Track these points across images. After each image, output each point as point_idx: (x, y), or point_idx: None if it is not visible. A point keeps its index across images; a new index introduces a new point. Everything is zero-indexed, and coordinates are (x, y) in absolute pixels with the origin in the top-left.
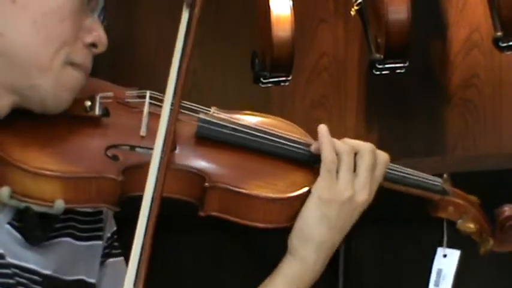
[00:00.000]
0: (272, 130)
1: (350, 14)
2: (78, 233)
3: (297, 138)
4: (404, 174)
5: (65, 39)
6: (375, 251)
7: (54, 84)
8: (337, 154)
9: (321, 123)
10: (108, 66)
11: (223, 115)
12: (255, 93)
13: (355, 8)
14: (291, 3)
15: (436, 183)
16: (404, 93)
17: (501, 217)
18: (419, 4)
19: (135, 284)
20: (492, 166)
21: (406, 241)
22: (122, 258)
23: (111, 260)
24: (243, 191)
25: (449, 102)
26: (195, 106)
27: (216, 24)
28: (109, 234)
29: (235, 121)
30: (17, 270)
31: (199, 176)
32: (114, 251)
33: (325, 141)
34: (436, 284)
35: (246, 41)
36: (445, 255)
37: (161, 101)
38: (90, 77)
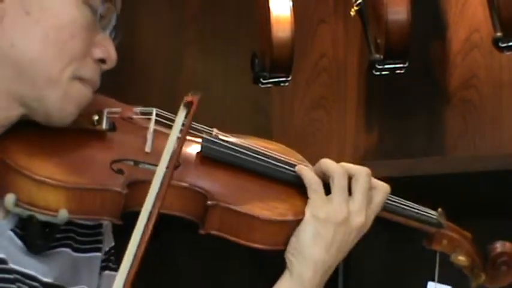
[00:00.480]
0: (273, 154)
1: (350, 14)
2: (76, 245)
3: (297, 163)
4: (404, 206)
5: (75, 54)
6: (375, 252)
7: (61, 97)
8: (329, 176)
9: (320, 123)
10: (106, 76)
11: (225, 137)
12: (254, 94)
13: (355, 8)
14: (290, 3)
15: (431, 215)
16: (404, 94)
17: (493, 253)
18: (419, 5)
19: None
20: (491, 166)
21: (407, 244)
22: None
23: (107, 272)
24: (244, 211)
25: (449, 102)
26: (198, 126)
27: (216, 25)
28: (107, 249)
29: (238, 143)
30: (18, 276)
31: (202, 194)
32: (110, 264)
33: (301, 166)
34: None
35: (246, 42)
36: None
37: (167, 119)
38: (97, 93)
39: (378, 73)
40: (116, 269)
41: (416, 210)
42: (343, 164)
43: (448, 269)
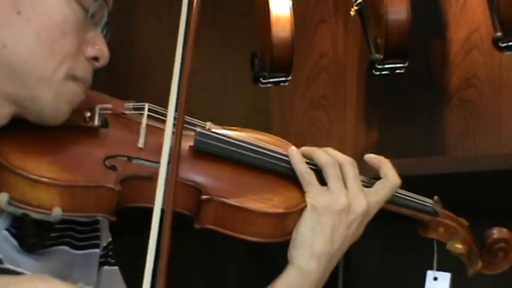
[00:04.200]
0: (268, 146)
1: (350, 14)
2: (75, 242)
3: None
4: (396, 194)
5: (67, 52)
6: (375, 258)
7: (53, 97)
8: (321, 167)
9: (320, 123)
10: (104, 75)
11: (219, 130)
12: (254, 94)
13: (355, 8)
14: (290, 3)
15: (427, 204)
16: (403, 94)
17: (489, 240)
18: (419, 4)
19: None
20: (491, 166)
21: (407, 244)
22: (116, 267)
23: (106, 267)
24: (239, 204)
25: (449, 102)
26: (191, 120)
27: (216, 24)
28: (105, 244)
29: (232, 136)
30: (14, 276)
31: (196, 188)
32: (109, 260)
33: (293, 155)
34: None
35: (246, 41)
36: (435, 278)
37: (159, 113)
38: (89, 89)
39: (377, 73)
40: (114, 264)
41: (411, 199)
42: (328, 150)
43: (446, 257)
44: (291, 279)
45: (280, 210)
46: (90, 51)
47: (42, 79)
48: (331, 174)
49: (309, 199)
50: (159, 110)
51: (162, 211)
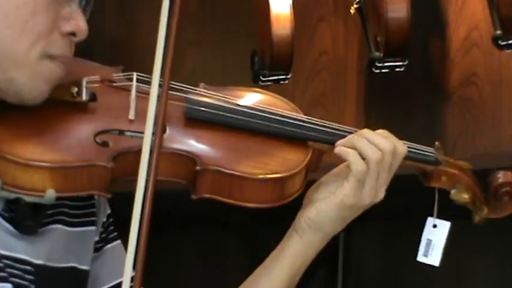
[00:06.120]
0: (262, 107)
1: (350, 12)
2: (69, 219)
3: (288, 114)
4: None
5: (39, 31)
6: (374, 246)
7: (30, 77)
8: (365, 158)
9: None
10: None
11: (213, 93)
12: None
13: (355, 6)
14: (290, 1)
15: (429, 153)
16: (403, 92)
17: (494, 184)
18: (418, 3)
19: (134, 267)
20: (491, 164)
21: (406, 243)
22: (119, 241)
23: (109, 246)
24: (235, 172)
25: (449, 100)
26: (183, 86)
27: (215, 23)
28: (104, 219)
29: (224, 99)
30: (8, 262)
31: (190, 158)
32: (110, 236)
33: (354, 147)
34: (425, 254)
35: (246, 39)
36: (435, 226)
37: (149, 83)
38: (75, 58)
39: (377, 71)
40: (116, 238)
41: (413, 149)
42: (379, 137)
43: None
44: (296, 249)
45: (278, 175)
46: (66, 27)
47: (16, 60)
48: (372, 172)
49: (343, 196)
50: (148, 79)
51: (147, 182)
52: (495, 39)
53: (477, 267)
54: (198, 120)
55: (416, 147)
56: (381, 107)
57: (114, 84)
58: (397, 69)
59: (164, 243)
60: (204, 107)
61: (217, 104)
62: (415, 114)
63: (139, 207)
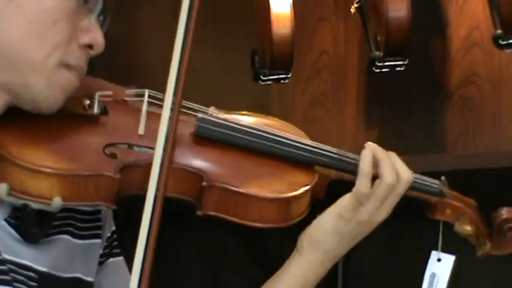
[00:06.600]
0: (269, 130)
1: (350, 12)
2: (76, 231)
3: (297, 138)
4: None
5: (58, 39)
6: (374, 246)
7: (46, 84)
8: (379, 176)
9: (320, 121)
10: (106, 69)
11: (222, 115)
12: (254, 91)
13: (355, 5)
14: (290, 1)
15: (433, 185)
16: (404, 91)
17: (498, 220)
18: (419, 2)
19: (139, 285)
20: (491, 164)
21: (406, 243)
22: (121, 257)
23: (111, 259)
24: (241, 190)
25: (449, 100)
26: (193, 106)
27: (216, 22)
28: (109, 234)
29: (234, 121)
30: (13, 267)
31: (197, 175)
32: (114, 251)
33: (365, 170)
34: None
35: (246, 39)
36: (439, 259)
37: (159, 99)
38: (89, 76)
39: (378, 70)
40: (119, 254)
41: (417, 180)
42: (396, 165)
43: (451, 239)
44: (298, 269)
45: (283, 195)
46: (84, 39)
47: (34, 66)
48: (380, 193)
49: (342, 208)
50: (159, 96)
51: (155, 198)
52: (496, 39)
53: (477, 265)
54: (207, 138)
55: (422, 178)
56: (381, 107)
57: (126, 100)
58: (398, 69)
59: (163, 241)
60: (214, 126)
61: (227, 124)
62: (416, 113)
63: (148, 223)
